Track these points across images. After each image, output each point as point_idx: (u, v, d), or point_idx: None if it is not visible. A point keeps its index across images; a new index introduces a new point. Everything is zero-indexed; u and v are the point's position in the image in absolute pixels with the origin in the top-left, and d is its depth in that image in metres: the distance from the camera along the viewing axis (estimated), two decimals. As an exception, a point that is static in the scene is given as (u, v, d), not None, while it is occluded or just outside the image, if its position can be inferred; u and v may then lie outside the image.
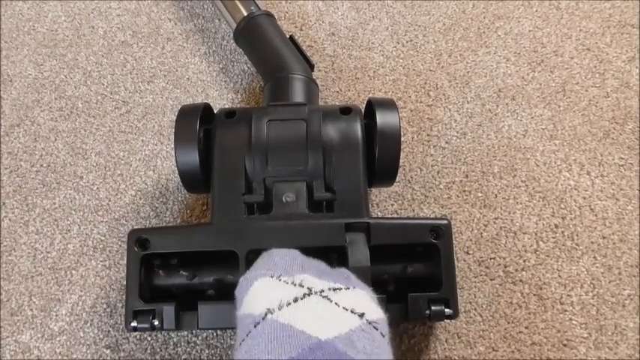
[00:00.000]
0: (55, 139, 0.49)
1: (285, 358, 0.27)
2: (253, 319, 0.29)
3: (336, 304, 0.29)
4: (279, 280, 0.30)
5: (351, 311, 0.29)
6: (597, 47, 0.53)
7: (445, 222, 0.37)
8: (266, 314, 0.29)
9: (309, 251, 0.34)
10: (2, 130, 0.50)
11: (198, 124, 0.39)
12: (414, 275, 0.38)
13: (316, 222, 0.37)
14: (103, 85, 0.52)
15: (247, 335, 0.29)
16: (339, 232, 0.36)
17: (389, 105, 0.41)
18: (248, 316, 0.30)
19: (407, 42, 0.54)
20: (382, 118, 0.40)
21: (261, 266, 0.32)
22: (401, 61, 0.53)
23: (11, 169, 0.48)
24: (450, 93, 0.51)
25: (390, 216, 0.45)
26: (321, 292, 0.30)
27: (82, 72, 0.53)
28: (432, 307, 0.36)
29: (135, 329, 0.36)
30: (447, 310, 0.36)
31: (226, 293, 0.37)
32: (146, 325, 0.35)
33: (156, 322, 0.36)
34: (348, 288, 0.31)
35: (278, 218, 0.37)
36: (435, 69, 0.53)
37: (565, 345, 0.40)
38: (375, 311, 0.31)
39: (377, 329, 0.30)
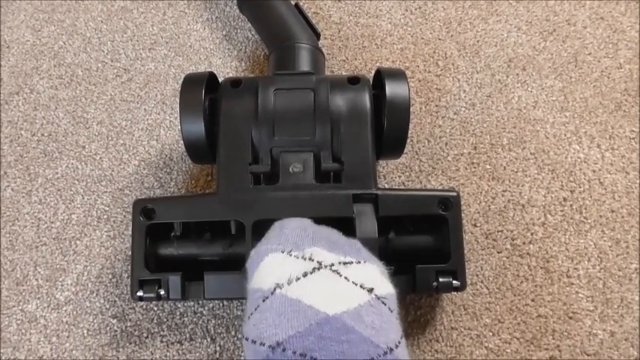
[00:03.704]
0: (56, 108, 0.48)
1: (293, 332, 0.26)
2: (262, 294, 0.29)
3: (345, 278, 0.29)
4: (290, 255, 0.30)
5: (361, 286, 0.29)
6: (611, 16, 0.52)
7: (454, 194, 0.37)
8: (275, 289, 0.29)
9: (318, 221, 0.34)
10: (1, 98, 0.49)
11: (204, 93, 0.38)
12: (421, 247, 0.37)
13: (323, 192, 0.36)
14: (103, 52, 0.51)
15: (256, 309, 0.29)
16: (346, 202, 0.36)
17: (399, 75, 0.40)
18: (257, 290, 0.30)
19: (415, 9, 0.53)
20: (392, 89, 0.39)
21: (273, 239, 0.32)
22: (409, 29, 0.52)
23: (12, 139, 0.47)
24: (459, 63, 0.50)
25: (398, 187, 0.45)
26: (331, 266, 0.29)
27: (82, 38, 0.51)
28: (440, 279, 0.36)
29: (141, 299, 0.36)
30: (454, 282, 0.36)
31: (232, 263, 0.36)
32: (152, 295, 0.36)
33: (162, 292, 0.36)
34: (359, 262, 0.31)
35: (285, 189, 0.36)
36: (444, 38, 0.51)
37: (571, 317, 0.40)
38: (385, 286, 0.31)
39: (385, 304, 0.29)
